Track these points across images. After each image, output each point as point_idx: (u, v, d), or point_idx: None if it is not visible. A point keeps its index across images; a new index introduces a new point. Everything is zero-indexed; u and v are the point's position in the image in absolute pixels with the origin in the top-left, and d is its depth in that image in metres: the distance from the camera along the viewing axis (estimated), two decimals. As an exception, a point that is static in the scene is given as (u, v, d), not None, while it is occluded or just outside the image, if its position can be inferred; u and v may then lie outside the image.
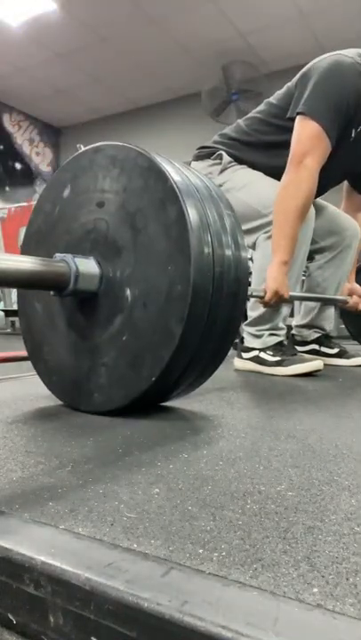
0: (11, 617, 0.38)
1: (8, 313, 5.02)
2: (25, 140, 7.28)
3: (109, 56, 5.45)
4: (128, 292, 0.89)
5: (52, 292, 0.93)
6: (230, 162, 1.71)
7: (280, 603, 0.33)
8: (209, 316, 0.84)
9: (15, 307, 5.11)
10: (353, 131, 1.58)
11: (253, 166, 1.71)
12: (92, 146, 1.00)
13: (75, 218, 1.00)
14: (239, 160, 1.72)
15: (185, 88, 6.03)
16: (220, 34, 4.95)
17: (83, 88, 6.19)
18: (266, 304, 1.50)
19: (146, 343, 0.86)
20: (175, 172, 0.87)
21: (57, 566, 0.36)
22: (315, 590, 0.34)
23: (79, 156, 1.02)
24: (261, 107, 1.74)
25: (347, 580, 0.36)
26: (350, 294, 1.94)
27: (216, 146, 1.77)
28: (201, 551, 0.40)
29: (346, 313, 2.48)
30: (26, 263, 0.85)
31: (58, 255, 0.92)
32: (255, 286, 1.65)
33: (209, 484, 0.56)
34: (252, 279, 1.69)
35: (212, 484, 0.57)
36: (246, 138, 1.72)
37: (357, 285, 1.98)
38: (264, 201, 1.57)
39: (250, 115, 1.77)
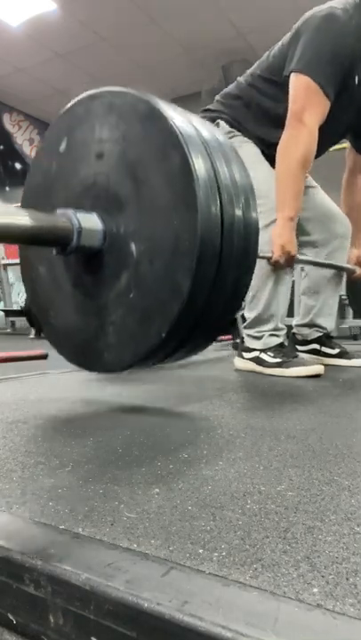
0: (11, 617, 0.38)
1: (8, 313, 5.02)
2: (25, 140, 7.28)
3: (109, 56, 5.45)
4: (133, 247, 0.85)
5: (54, 252, 0.89)
6: (230, 132, 1.68)
7: (280, 603, 0.33)
8: (218, 271, 0.81)
9: (15, 307, 5.11)
10: (356, 77, 1.55)
11: (255, 134, 1.67)
12: (88, 93, 0.94)
13: (73, 173, 0.95)
14: (239, 127, 1.68)
15: (185, 88, 6.03)
16: (220, 34, 4.95)
17: (83, 88, 6.16)
18: (275, 264, 1.48)
19: (154, 299, 0.83)
20: (178, 117, 0.82)
21: (57, 566, 0.36)
22: (315, 590, 0.34)
23: (74, 106, 0.96)
24: (258, 64, 1.71)
25: (347, 579, 0.36)
26: (358, 264, 1.91)
27: (218, 109, 1.72)
28: (201, 551, 0.40)
29: (352, 289, 2.44)
30: (27, 218, 0.82)
31: (59, 210, 0.88)
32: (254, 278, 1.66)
33: (209, 484, 0.56)
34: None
35: (213, 483, 0.57)
36: (247, 96, 1.68)
37: None
38: (264, 187, 1.57)
39: (248, 71, 1.73)
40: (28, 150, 7.34)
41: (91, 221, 0.88)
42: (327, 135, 1.58)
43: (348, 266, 1.88)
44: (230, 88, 1.77)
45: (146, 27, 4.89)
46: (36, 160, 1.06)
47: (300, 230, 1.79)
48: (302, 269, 1.94)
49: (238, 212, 0.84)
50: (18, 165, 7.17)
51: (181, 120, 0.82)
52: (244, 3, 4.47)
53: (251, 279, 0.93)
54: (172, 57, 5.43)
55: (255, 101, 1.67)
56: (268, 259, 1.47)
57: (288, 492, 0.54)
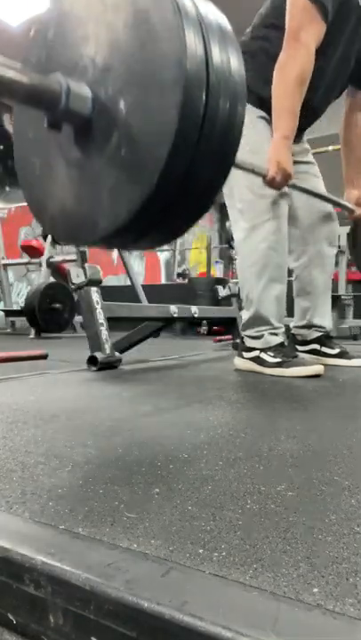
0: (11, 617, 0.38)
1: (8, 313, 5.02)
2: (25, 140, 7.27)
3: (109, 56, 5.45)
4: (122, 103, 0.86)
5: (45, 124, 0.91)
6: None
7: (280, 603, 0.33)
8: (205, 111, 0.80)
9: (15, 307, 5.12)
10: (353, 14, 1.55)
11: (259, 95, 1.63)
12: None
13: (61, 54, 0.97)
14: (248, 93, 1.67)
15: (185, 88, 6.02)
16: (220, 34, 4.95)
17: (83, 88, 6.18)
18: (271, 182, 1.48)
19: (143, 148, 0.83)
20: None
21: (57, 566, 0.36)
22: (315, 590, 0.34)
23: None
24: (258, 16, 1.72)
25: (347, 580, 0.36)
26: (358, 204, 1.90)
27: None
28: (201, 551, 0.40)
29: (355, 242, 2.42)
30: (15, 71, 0.83)
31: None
32: (241, 288, 1.66)
33: (209, 484, 0.56)
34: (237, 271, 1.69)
35: (213, 483, 0.57)
36: (251, 49, 1.65)
37: None
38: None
39: (249, 29, 1.74)
40: (28, 150, 7.33)
41: (79, 88, 0.89)
42: (328, 70, 1.57)
43: (348, 204, 1.86)
44: (245, 35, 1.74)
45: (146, 27, 4.89)
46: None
47: (293, 222, 1.79)
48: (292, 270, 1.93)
49: (223, 51, 0.83)
50: (18, 165, 7.16)
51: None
52: (244, 3, 4.47)
53: (240, 132, 0.94)
54: (172, 57, 5.43)
55: (260, 49, 1.64)
56: (264, 176, 1.46)
57: (288, 492, 0.54)
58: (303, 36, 1.46)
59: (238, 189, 1.66)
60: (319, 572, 0.37)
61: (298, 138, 1.76)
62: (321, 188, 1.85)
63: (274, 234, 1.60)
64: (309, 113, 1.67)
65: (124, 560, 0.38)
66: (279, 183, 1.49)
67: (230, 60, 0.84)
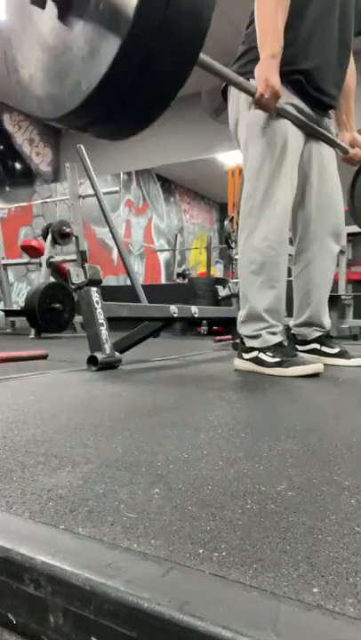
0: (11, 617, 0.38)
1: (8, 313, 5.02)
2: (25, 140, 7.28)
3: (109, 56, 5.45)
4: None
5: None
6: None
7: (280, 603, 0.33)
8: None
9: (15, 307, 5.12)
10: None
11: None
12: None
13: None
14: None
15: (185, 88, 6.01)
16: (220, 34, 4.95)
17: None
18: (259, 100, 1.48)
19: (112, 15, 0.87)
20: None
21: (57, 566, 0.36)
22: (315, 590, 0.34)
23: None
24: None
25: (347, 579, 0.36)
26: (353, 145, 1.90)
27: (245, 70, 1.64)
28: (201, 551, 0.40)
29: (354, 198, 2.39)
30: None
31: None
32: (241, 286, 1.66)
33: (209, 484, 0.56)
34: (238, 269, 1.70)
35: (213, 483, 0.57)
36: (250, 41, 1.66)
37: (359, 136, 1.94)
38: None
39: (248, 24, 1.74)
40: (28, 150, 7.34)
41: None
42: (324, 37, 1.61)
43: (342, 143, 1.85)
44: (238, 50, 1.75)
45: (146, 27, 4.89)
46: None
47: (303, 219, 1.79)
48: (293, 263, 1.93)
49: None
50: (18, 165, 7.16)
51: None
52: (245, 3, 4.47)
53: (209, 18, 0.98)
54: (172, 57, 5.43)
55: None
56: (253, 94, 1.47)
57: (288, 491, 0.54)
58: None
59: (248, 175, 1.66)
60: (319, 572, 0.37)
61: (327, 86, 1.73)
62: (333, 184, 1.84)
63: (274, 233, 1.60)
64: (328, 79, 1.67)
65: (124, 560, 0.38)
66: (268, 101, 1.49)
67: None
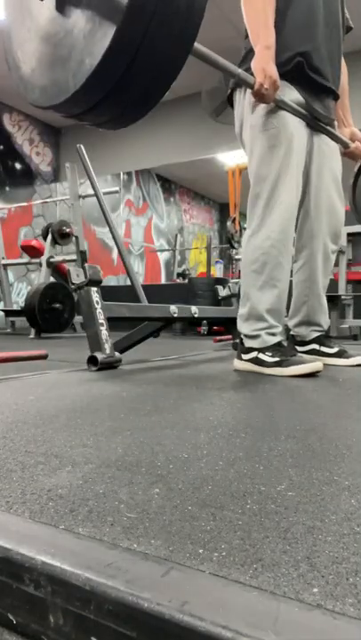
0: (11, 617, 0.38)
1: (8, 313, 5.03)
2: (25, 140, 7.28)
3: (109, 56, 5.44)
4: None
5: None
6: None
7: (280, 603, 0.33)
8: None
9: (15, 307, 5.12)
10: None
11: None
12: None
13: None
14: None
15: (185, 88, 6.03)
16: (220, 34, 4.95)
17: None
18: (259, 91, 1.49)
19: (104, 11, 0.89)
20: None
21: (57, 566, 0.36)
22: (315, 590, 0.34)
23: None
24: None
25: (347, 579, 0.36)
26: (353, 139, 1.91)
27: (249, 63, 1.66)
28: (201, 551, 0.40)
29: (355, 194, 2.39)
30: None
31: None
32: (242, 285, 1.66)
33: (209, 484, 0.56)
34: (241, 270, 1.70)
35: (213, 483, 0.57)
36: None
37: (358, 131, 1.96)
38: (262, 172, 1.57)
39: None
40: (28, 150, 7.34)
41: None
42: (322, 9, 1.63)
43: (343, 137, 1.86)
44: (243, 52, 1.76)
45: (146, 27, 4.89)
46: None
47: (303, 215, 1.80)
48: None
49: None
50: (18, 165, 7.16)
51: None
52: (244, 3, 4.47)
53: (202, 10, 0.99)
54: (172, 57, 5.43)
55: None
56: (252, 86, 1.48)
57: (288, 491, 0.54)
58: None
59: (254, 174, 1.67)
60: (319, 572, 0.37)
61: (329, 107, 1.75)
62: (333, 186, 1.85)
63: (278, 233, 1.60)
64: (326, 61, 1.68)
65: (124, 560, 0.38)
66: (268, 91, 1.49)
67: None
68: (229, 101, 1.83)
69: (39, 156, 7.56)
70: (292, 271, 1.87)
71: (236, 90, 1.75)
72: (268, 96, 1.51)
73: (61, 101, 1.02)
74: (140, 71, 0.97)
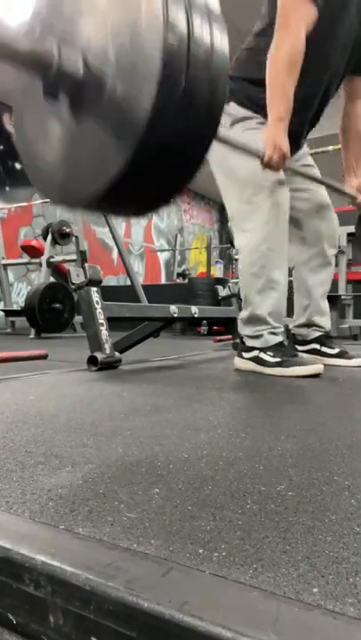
0: (11, 617, 0.38)
1: (8, 313, 5.03)
2: (25, 140, 7.26)
3: (109, 56, 5.45)
4: (110, 52, 0.88)
5: (42, 90, 0.93)
6: (243, 116, 1.67)
7: (280, 603, 0.33)
8: (189, 34, 0.80)
9: (15, 307, 5.12)
10: (346, 12, 1.58)
11: (261, 103, 1.63)
12: None
13: (53, 24, 0.99)
14: (250, 105, 1.68)
15: (185, 88, 6.02)
16: (220, 34, 4.95)
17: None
18: (268, 163, 1.49)
19: (136, 80, 0.84)
20: None
21: (57, 566, 0.36)
22: (315, 590, 0.34)
23: None
24: (261, 17, 1.74)
25: (347, 579, 0.36)
26: (360, 191, 1.91)
27: (231, 83, 1.68)
28: (201, 551, 0.40)
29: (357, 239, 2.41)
30: (10, 35, 0.86)
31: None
32: (241, 287, 1.67)
33: (209, 484, 0.56)
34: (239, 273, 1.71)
35: (213, 483, 0.57)
36: (255, 46, 1.68)
37: None
38: (249, 176, 1.57)
39: (253, 29, 1.76)
40: (28, 150, 7.33)
41: (71, 50, 0.91)
42: (329, 62, 1.61)
43: (350, 191, 1.87)
44: (238, 54, 1.75)
45: (146, 27, 4.89)
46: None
47: (294, 223, 1.80)
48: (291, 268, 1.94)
49: (206, 29, 0.84)
50: (18, 165, 7.17)
51: None
52: (245, 3, 4.46)
53: (222, 103, 0.97)
54: (172, 57, 5.43)
55: (262, 46, 1.63)
56: (261, 158, 1.47)
57: (288, 492, 0.54)
58: (292, 22, 1.47)
59: (229, 201, 1.69)
60: (319, 572, 0.37)
61: (300, 141, 1.77)
62: (321, 190, 1.86)
63: (275, 236, 1.60)
64: (316, 106, 1.69)
65: (124, 560, 0.38)
66: (277, 163, 1.49)
67: (213, 34, 0.85)
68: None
69: (39, 156, 7.56)
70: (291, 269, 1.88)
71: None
72: (277, 167, 1.52)
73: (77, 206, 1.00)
74: (157, 180, 0.97)
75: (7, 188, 6.98)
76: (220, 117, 0.94)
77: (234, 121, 1.67)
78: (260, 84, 1.55)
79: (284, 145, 1.48)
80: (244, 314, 1.68)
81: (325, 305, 1.92)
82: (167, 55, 0.79)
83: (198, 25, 0.84)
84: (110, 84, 0.88)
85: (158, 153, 0.89)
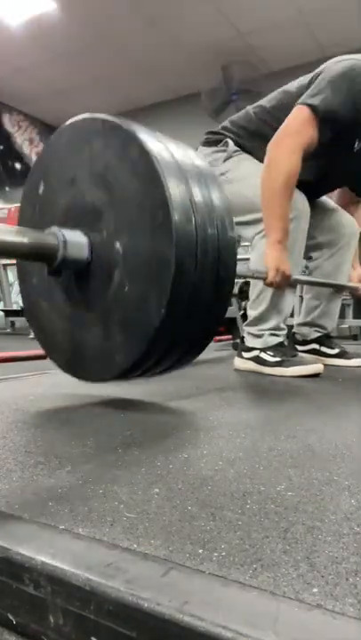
0: (11, 617, 0.38)
1: (8, 313, 5.02)
2: (25, 140, 7.27)
3: (109, 56, 5.45)
4: (118, 244, 0.90)
5: (46, 272, 0.94)
6: (236, 150, 1.70)
7: (280, 603, 0.33)
8: (197, 237, 0.85)
9: (15, 307, 5.11)
10: (357, 142, 1.57)
11: (258, 157, 1.70)
12: (54, 134, 1.05)
13: (54, 206, 1.02)
14: (245, 149, 1.72)
15: (185, 88, 6.03)
16: (220, 34, 4.95)
17: (83, 88, 6.19)
18: (270, 284, 1.50)
19: (146, 281, 0.87)
20: (128, 121, 0.90)
21: (57, 566, 0.36)
22: (315, 590, 0.34)
23: (44, 150, 1.07)
24: (272, 97, 1.72)
25: (347, 580, 0.36)
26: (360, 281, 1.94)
27: (224, 132, 1.75)
28: (201, 551, 0.40)
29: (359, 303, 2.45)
30: (13, 234, 0.87)
31: (46, 230, 0.95)
32: (253, 285, 1.65)
33: (209, 484, 0.56)
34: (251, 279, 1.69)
35: (212, 484, 0.57)
36: (254, 127, 1.70)
37: None
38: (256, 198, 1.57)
39: (260, 103, 1.75)
40: (28, 150, 7.33)
41: (75, 235, 0.94)
42: (324, 184, 1.65)
43: (351, 284, 1.90)
44: (238, 117, 1.79)
45: (146, 27, 4.89)
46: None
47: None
48: (306, 269, 1.94)
49: (203, 192, 0.89)
50: (18, 165, 7.16)
51: (130, 122, 0.89)
52: (244, 3, 4.47)
53: (232, 288, 0.98)
54: (172, 57, 5.43)
55: (264, 134, 1.68)
56: (264, 279, 1.49)
57: (288, 492, 0.54)
58: (289, 142, 1.48)
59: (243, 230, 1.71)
60: (319, 572, 0.37)
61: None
62: (324, 199, 1.88)
63: (298, 240, 1.61)
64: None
65: (124, 560, 0.38)
66: (279, 284, 1.51)
67: (212, 194, 0.90)
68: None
69: (39, 156, 7.56)
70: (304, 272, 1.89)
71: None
72: (280, 286, 1.53)
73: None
74: (161, 368, 1.00)
75: (7, 188, 6.97)
76: (224, 314, 0.96)
77: (227, 156, 1.70)
78: (256, 135, 1.66)
79: (287, 269, 1.49)
80: (253, 313, 1.66)
81: (336, 307, 1.93)
82: (179, 262, 0.82)
83: (197, 189, 0.87)
84: (122, 257, 0.89)
85: (165, 350, 0.92)
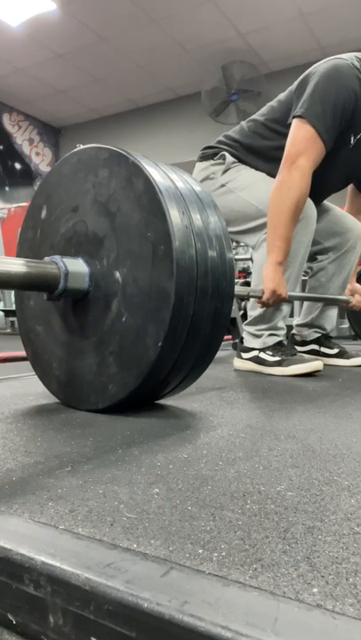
0: (11, 617, 0.38)
1: (8, 313, 5.02)
2: (25, 140, 7.27)
3: (109, 56, 5.45)
4: (117, 274, 0.91)
5: (45, 297, 0.95)
6: (233, 162, 1.72)
7: (280, 603, 0.33)
8: (198, 270, 0.86)
9: (15, 307, 5.12)
10: (352, 137, 1.59)
11: (254, 168, 1.72)
12: (59, 162, 1.05)
13: (56, 232, 1.04)
14: (242, 162, 1.73)
15: (185, 88, 6.03)
16: (220, 34, 4.95)
17: (82, 88, 6.20)
18: (264, 304, 1.51)
19: (144, 313, 0.87)
20: (133, 153, 0.91)
21: (57, 566, 0.36)
22: (315, 590, 0.34)
23: (49, 176, 1.08)
24: (264, 110, 1.74)
25: (347, 580, 0.36)
26: (352, 294, 1.95)
27: (220, 146, 1.78)
28: (201, 551, 0.40)
29: (351, 312, 2.49)
30: (15, 265, 0.87)
31: (47, 258, 0.96)
32: (255, 286, 1.65)
33: (209, 484, 0.56)
34: (252, 279, 1.69)
35: (212, 484, 0.57)
36: (248, 141, 1.73)
37: (358, 285, 1.99)
38: (266, 200, 1.58)
39: (253, 117, 1.77)
40: (28, 150, 7.34)
41: (76, 265, 0.95)
42: (326, 184, 1.65)
43: (342, 297, 1.91)
44: (233, 131, 1.81)
45: (146, 26, 4.89)
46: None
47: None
48: (310, 269, 1.94)
49: (203, 217, 0.91)
50: (18, 165, 7.16)
51: (135, 154, 0.90)
52: (244, 3, 4.47)
53: (229, 316, 0.99)
54: (172, 57, 5.43)
55: (258, 147, 1.71)
56: (259, 297, 1.50)
57: (288, 492, 0.54)
58: (302, 162, 1.49)
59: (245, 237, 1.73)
60: (319, 572, 0.37)
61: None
62: (328, 205, 1.90)
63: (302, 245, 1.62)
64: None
65: (123, 560, 0.38)
66: (273, 303, 1.53)
67: (210, 220, 0.92)
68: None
69: (39, 157, 7.56)
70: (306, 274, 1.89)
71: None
72: (275, 305, 1.56)
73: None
74: (154, 397, 1.02)
75: (7, 188, 6.97)
76: (221, 341, 0.96)
77: (226, 168, 1.72)
78: (250, 147, 1.70)
79: (283, 291, 1.50)
80: (255, 311, 1.67)
81: (335, 309, 1.94)
82: (179, 295, 0.83)
83: (197, 215, 0.89)
84: (122, 287, 0.90)
85: (161, 382, 0.92)
